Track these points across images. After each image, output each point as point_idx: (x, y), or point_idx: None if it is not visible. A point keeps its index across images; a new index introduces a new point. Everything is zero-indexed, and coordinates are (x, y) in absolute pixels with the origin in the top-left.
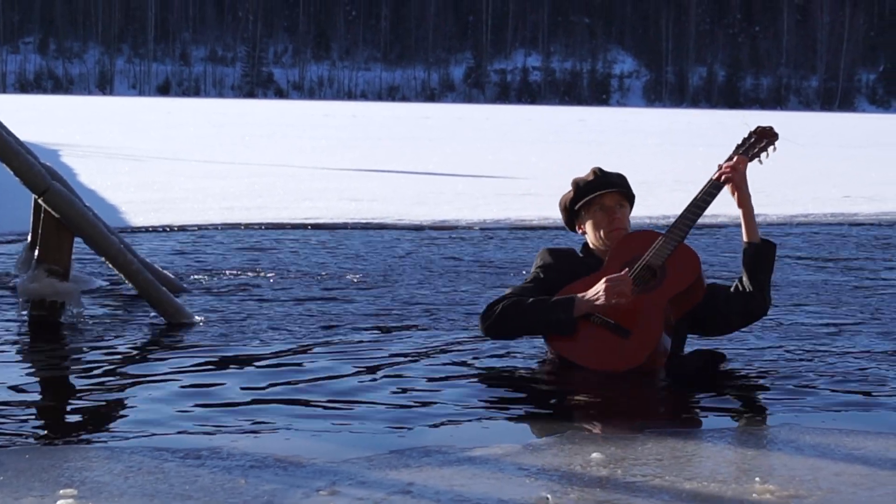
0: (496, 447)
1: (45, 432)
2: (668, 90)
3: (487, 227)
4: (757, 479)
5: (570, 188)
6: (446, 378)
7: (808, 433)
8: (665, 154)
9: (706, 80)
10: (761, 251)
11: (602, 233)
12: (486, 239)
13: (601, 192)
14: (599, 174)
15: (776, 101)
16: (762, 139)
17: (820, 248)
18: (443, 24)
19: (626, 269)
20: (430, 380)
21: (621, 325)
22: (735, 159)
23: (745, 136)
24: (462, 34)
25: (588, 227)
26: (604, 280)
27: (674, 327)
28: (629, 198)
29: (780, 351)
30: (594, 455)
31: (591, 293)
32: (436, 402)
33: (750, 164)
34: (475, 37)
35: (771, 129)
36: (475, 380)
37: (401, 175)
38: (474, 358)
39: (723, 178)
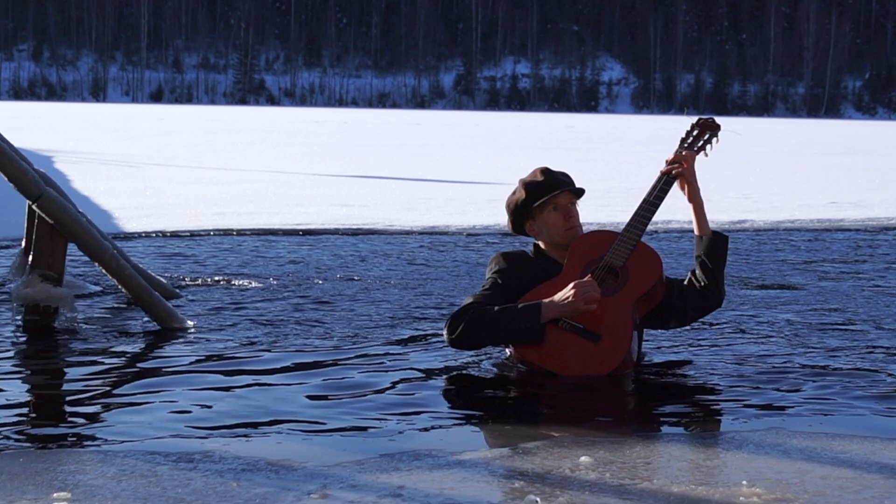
0: (485, 451)
1: (39, 436)
2: (655, 97)
3: (477, 233)
4: (744, 482)
5: (516, 190)
6: (436, 383)
7: (794, 437)
8: (652, 160)
9: (694, 87)
10: (714, 244)
11: (559, 232)
12: (476, 244)
13: (555, 192)
14: (548, 174)
15: (763, 108)
16: (705, 132)
17: (807, 252)
18: (433, 31)
19: (589, 271)
20: (420, 384)
21: (590, 328)
22: (683, 154)
23: (688, 129)
24: (452, 41)
25: (542, 227)
26: (571, 285)
27: (638, 327)
28: (579, 195)
29: (767, 355)
30: (583, 459)
31: (558, 297)
32: (426, 407)
33: (701, 159)
34: (465, 44)
35: (712, 120)
36: (465, 384)
37: (391, 181)
38: (464, 362)
39: (673, 172)
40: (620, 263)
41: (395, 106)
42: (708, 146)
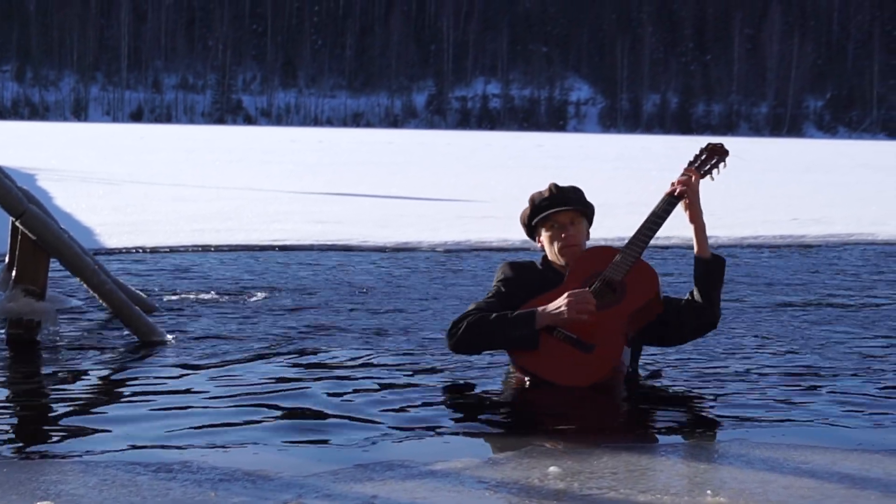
0: (457, 461)
1: (22, 447)
2: (622, 116)
3: (449, 249)
4: (709, 491)
5: (525, 209)
6: (409, 395)
7: (757, 448)
8: (620, 178)
9: (660, 106)
10: (712, 266)
11: (556, 248)
12: (448, 259)
13: (554, 210)
14: (554, 191)
15: (727, 127)
16: (713, 156)
17: (770, 269)
18: (405, 52)
19: (588, 284)
20: (393, 397)
21: (583, 339)
22: (688, 176)
23: (697, 153)
24: (424, 62)
25: (544, 241)
26: (566, 294)
27: (631, 341)
28: (584, 213)
29: (732, 368)
30: (551, 469)
31: (552, 306)
32: (399, 419)
33: (701, 181)
34: (437, 65)
35: (721, 146)
36: (437, 395)
37: (365, 198)
38: (436, 373)
39: (677, 192)
40: (619, 278)
41: (368, 125)
42: (714, 170)
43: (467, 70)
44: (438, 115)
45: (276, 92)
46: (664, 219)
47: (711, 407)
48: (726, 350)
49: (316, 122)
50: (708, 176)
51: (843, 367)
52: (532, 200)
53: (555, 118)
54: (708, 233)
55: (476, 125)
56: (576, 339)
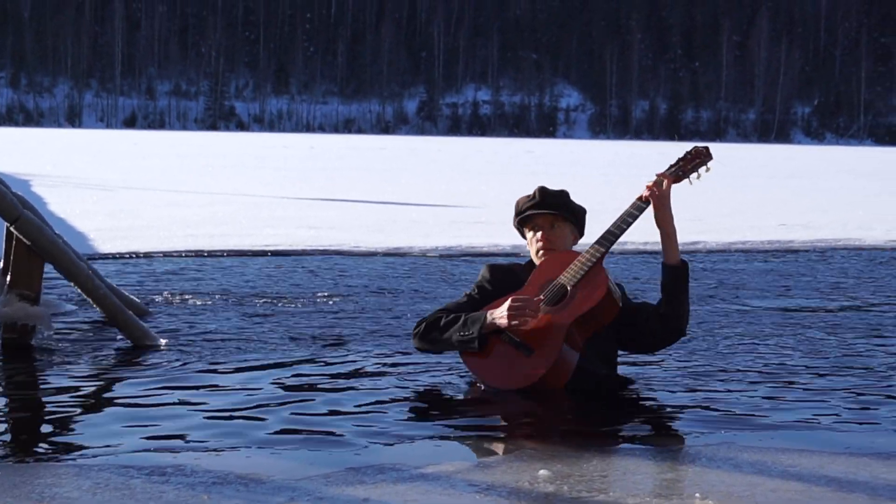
0: (447, 464)
1: (16, 450)
2: (612, 123)
3: (441, 254)
4: (697, 494)
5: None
6: (400, 399)
7: (745, 451)
8: (610, 184)
9: (648, 113)
10: (673, 273)
11: (533, 251)
12: (440, 264)
13: (532, 213)
14: (538, 195)
15: (715, 133)
16: (695, 159)
17: (757, 273)
18: (396, 59)
19: (544, 288)
20: (385, 401)
21: (526, 343)
22: (658, 179)
23: (680, 155)
24: (415, 69)
25: (527, 243)
26: (511, 299)
27: (584, 346)
28: (566, 218)
29: (719, 372)
30: (541, 472)
31: (498, 311)
32: (390, 422)
33: (679, 185)
34: (427, 72)
35: (705, 149)
36: (428, 400)
37: (357, 204)
38: (426, 378)
39: (644, 196)
40: (571, 284)
41: (360, 131)
42: (694, 174)
43: (458, 77)
44: (429, 122)
45: (269, 98)
46: (630, 223)
47: (700, 410)
48: (714, 353)
49: (308, 128)
50: (686, 180)
51: (830, 371)
52: (517, 203)
53: (545, 124)
54: (696, 238)
55: (467, 131)
56: (519, 342)
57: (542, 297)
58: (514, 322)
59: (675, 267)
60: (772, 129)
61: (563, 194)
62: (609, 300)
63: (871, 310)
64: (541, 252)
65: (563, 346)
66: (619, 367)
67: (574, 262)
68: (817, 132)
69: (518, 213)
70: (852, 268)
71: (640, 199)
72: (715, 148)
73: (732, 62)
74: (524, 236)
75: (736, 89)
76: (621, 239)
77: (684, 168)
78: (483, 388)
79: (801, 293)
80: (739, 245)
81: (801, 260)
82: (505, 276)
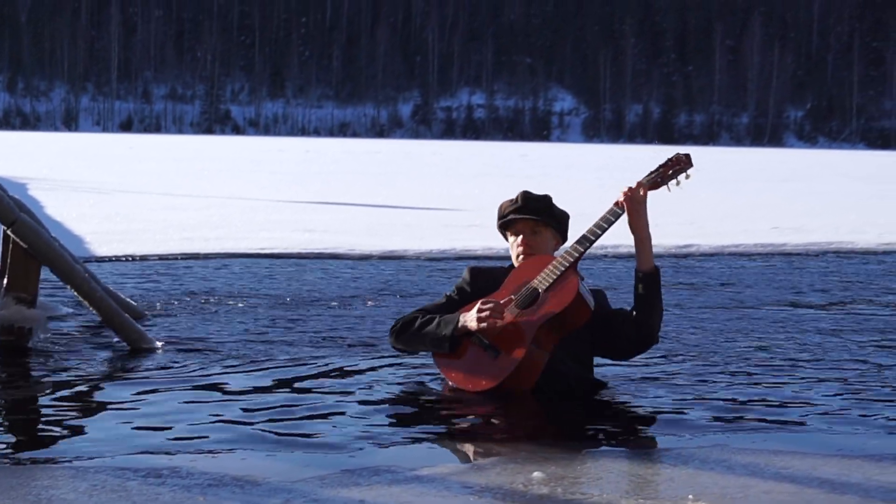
0: (442, 466)
1: (13, 452)
2: (605, 127)
3: (435, 257)
4: (690, 496)
5: None
6: (395, 402)
7: (738, 453)
8: (603, 187)
9: (642, 117)
10: (649, 279)
11: (514, 256)
12: (434, 268)
13: (513, 218)
14: (520, 200)
15: (709, 137)
16: (675, 165)
17: (751, 276)
18: (391, 64)
19: (516, 291)
20: (379, 403)
21: (494, 345)
22: (634, 185)
23: (661, 162)
24: (410, 73)
25: (510, 247)
26: (480, 302)
27: (554, 350)
28: (548, 223)
29: (712, 374)
30: (535, 474)
31: (468, 314)
32: (385, 425)
33: (658, 191)
34: (422, 76)
35: (686, 156)
36: (422, 403)
37: (352, 207)
38: (422, 381)
39: (618, 202)
40: (543, 287)
41: (355, 135)
42: (672, 181)
43: (452, 81)
44: (424, 125)
45: (264, 102)
46: (605, 229)
47: (693, 412)
48: (707, 356)
49: (303, 132)
50: (665, 186)
51: (822, 373)
52: (500, 208)
53: (539, 128)
54: (689, 241)
55: (461, 135)
56: (487, 343)
57: (512, 299)
58: (482, 325)
59: (649, 273)
60: (765, 133)
61: (546, 199)
62: (579, 304)
63: (863, 312)
64: (521, 257)
65: (531, 346)
66: (610, 370)
67: (547, 266)
68: (810, 136)
69: (500, 217)
70: (844, 270)
71: (615, 204)
72: (709, 151)
73: (725, 66)
74: (507, 240)
75: (729, 93)
76: (604, 243)
77: (664, 174)
78: (452, 394)
79: (793, 295)
80: (732, 248)
81: (794, 263)
82: (485, 278)
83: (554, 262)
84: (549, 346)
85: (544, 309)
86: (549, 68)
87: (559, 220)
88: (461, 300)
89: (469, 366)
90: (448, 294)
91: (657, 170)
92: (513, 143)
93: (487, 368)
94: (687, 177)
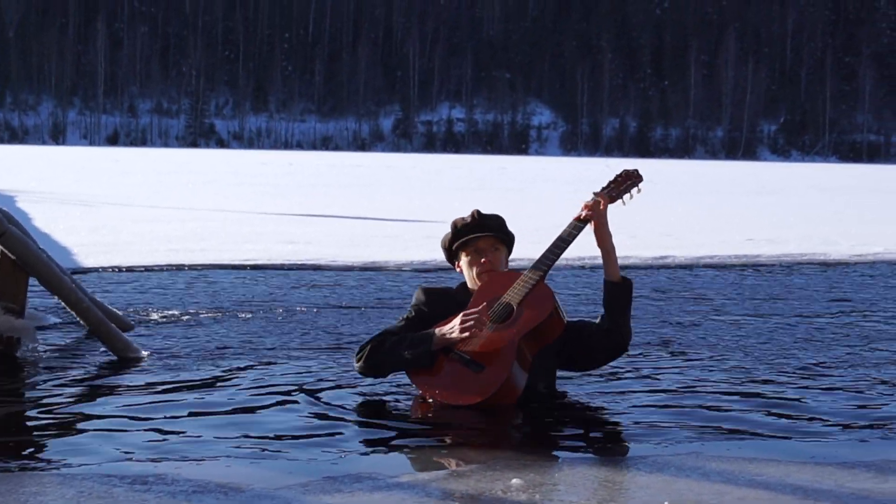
0: (423, 474)
1: (1, 459)
2: (583, 140)
3: (416, 268)
4: (666, 502)
5: (449, 229)
6: (377, 410)
7: (713, 460)
8: (580, 199)
9: (619, 130)
10: (619, 289)
11: (474, 273)
12: (415, 278)
13: (475, 236)
14: (477, 217)
15: (684, 151)
16: (626, 181)
17: (724, 286)
18: (373, 78)
19: (487, 307)
20: (362, 411)
21: (476, 360)
22: (594, 200)
23: (611, 178)
24: (391, 88)
25: (463, 266)
26: (459, 315)
27: (531, 363)
28: (505, 241)
29: (686, 383)
30: (514, 481)
31: (447, 328)
32: (366, 433)
33: (614, 206)
34: (403, 90)
35: (636, 171)
36: (403, 411)
37: (334, 219)
38: (402, 390)
39: (583, 216)
40: (517, 300)
41: (337, 148)
42: (626, 195)
43: (432, 95)
44: (405, 139)
45: (248, 116)
46: (569, 242)
47: (669, 421)
48: (681, 365)
49: (286, 145)
50: (619, 200)
51: (795, 382)
52: (454, 225)
53: (517, 142)
54: (666, 252)
55: (441, 148)
56: (468, 359)
57: (488, 314)
58: (465, 335)
59: (617, 283)
60: (739, 147)
61: (500, 218)
62: (556, 317)
63: (836, 322)
64: (482, 274)
65: (514, 361)
66: (587, 379)
67: (517, 281)
68: (783, 149)
69: (458, 236)
70: (817, 281)
71: (577, 219)
72: (684, 165)
73: (701, 81)
74: (454, 259)
75: (704, 108)
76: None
77: (617, 189)
78: (432, 403)
79: (767, 306)
80: (707, 259)
81: (767, 273)
82: (439, 297)
83: (523, 277)
84: (528, 360)
85: (523, 322)
86: (527, 83)
87: (511, 239)
88: (420, 320)
89: (451, 381)
90: (406, 316)
91: (609, 185)
92: (492, 156)
93: (471, 384)
94: (639, 191)
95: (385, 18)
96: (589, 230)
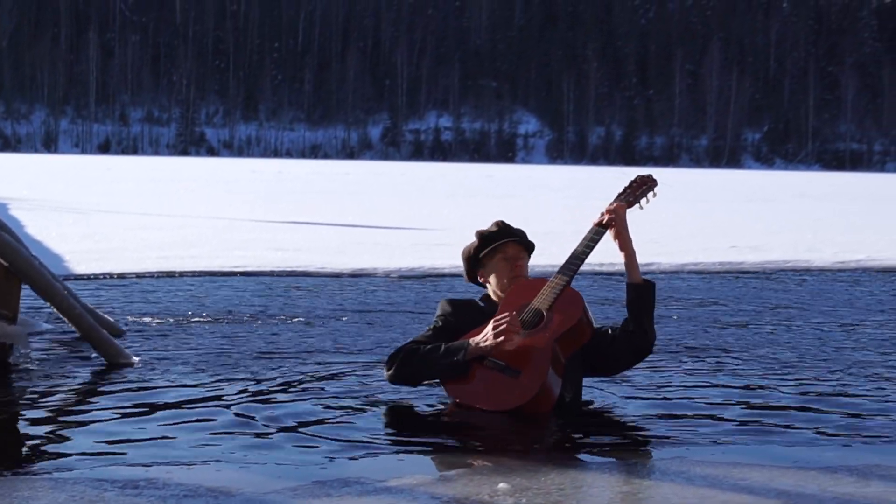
0: (410, 478)
1: None
2: (569, 148)
3: (403, 275)
4: None
5: (473, 239)
6: (365, 415)
7: (697, 465)
8: (566, 207)
9: (604, 139)
10: (642, 292)
11: (505, 280)
12: (401, 285)
13: (505, 241)
14: (503, 226)
15: (669, 159)
16: (641, 186)
17: (708, 293)
18: (361, 87)
19: (519, 315)
20: (350, 417)
21: (511, 366)
22: (614, 205)
23: (626, 184)
24: (379, 97)
25: (491, 275)
26: (491, 322)
27: (564, 368)
28: (529, 249)
29: (671, 389)
30: (501, 485)
31: (480, 336)
32: (354, 438)
33: (631, 210)
34: (391, 99)
35: (650, 176)
36: (391, 416)
37: (323, 227)
38: (391, 395)
39: (605, 221)
40: (546, 307)
41: (326, 156)
42: (643, 199)
43: (420, 104)
44: (393, 147)
45: (238, 125)
46: (592, 248)
47: (653, 426)
48: (666, 371)
49: (276, 153)
50: (637, 205)
51: (778, 388)
52: (481, 234)
53: (504, 150)
54: (651, 259)
55: (429, 157)
56: (504, 365)
57: (518, 321)
58: (499, 339)
59: (640, 285)
60: (723, 155)
61: (523, 232)
62: (585, 321)
63: (819, 328)
64: (515, 279)
65: (550, 368)
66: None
67: (544, 287)
68: (767, 157)
69: (488, 242)
70: (801, 288)
71: (598, 224)
72: (669, 173)
73: (685, 90)
74: (475, 272)
75: (689, 116)
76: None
77: (634, 195)
78: (451, 406)
79: (749, 311)
80: (692, 266)
81: (751, 280)
82: (464, 306)
83: (550, 283)
84: (562, 367)
85: (554, 327)
86: (514, 92)
87: (533, 248)
88: (447, 329)
89: (488, 387)
90: (433, 325)
91: (625, 191)
92: (479, 164)
93: (510, 389)
94: (654, 195)
95: (373, 28)
96: (607, 237)
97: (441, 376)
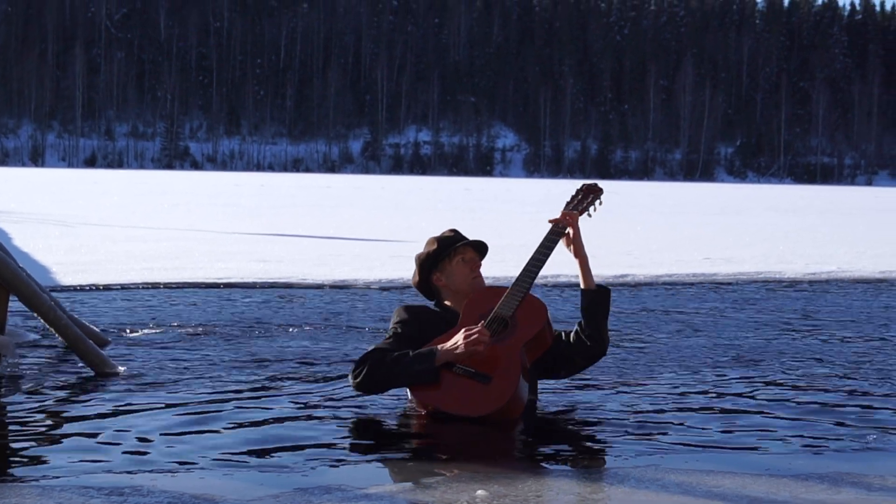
0: (390, 485)
1: None
2: (546, 162)
3: (383, 286)
4: None
5: (426, 247)
6: (346, 423)
7: (671, 473)
8: (543, 220)
9: (580, 153)
10: (598, 297)
11: (466, 280)
12: (380, 296)
13: (463, 244)
14: (457, 232)
15: (643, 173)
16: (588, 195)
17: (683, 303)
18: (342, 102)
19: (482, 321)
20: (331, 425)
21: (481, 371)
22: (565, 214)
23: (573, 193)
24: (360, 112)
25: (450, 276)
26: (462, 331)
27: (529, 373)
28: (483, 253)
29: (646, 397)
30: (479, 492)
31: (450, 344)
32: (336, 445)
33: (581, 218)
34: (372, 114)
35: (596, 185)
36: (371, 424)
37: (304, 239)
38: (370, 404)
39: (560, 225)
40: (510, 313)
41: (307, 170)
42: (591, 207)
43: (400, 119)
44: (373, 161)
45: (221, 139)
46: (548, 255)
47: (628, 434)
48: (641, 379)
49: (258, 167)
50: (585, 213)
51: (751, 396)
52: (438, 238)
53: (482, 164)
54: (624, 271)
55: (408, 170)
56: (474, 371)
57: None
58: (471, 348)
59: (595, 291)
60: (697, 169)
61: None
62: (548, 327)
63: (793, 337)
64: (476, 279)
65: (520, 374)
66: (553, 395)
67: (506, 294)
68: (740, 171)
69: (450, 242)
70: (773, 299)
71: (555, 225)
72: (644, 186)
73: (659, 105)
74: (432, 276)
75: (663, 131)
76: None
77: (582, 203)
78: (430, 415)
79: (723, 322)
80: (666, 278)
81: (723, 291)
82: (421, 313)
83: (511, 290)
84: (527, 371)
85: (521, 332)
86: (491, 107)
87: (485, 253)
88: (407, 335)
89: (459, 394)
90: (393, 332)
91: (574, 199)
92: (457, 177)
93: (483, 394)
94: (601, 203)
95: (354, 45)
96: (561, 246)
97: (410, 383)
